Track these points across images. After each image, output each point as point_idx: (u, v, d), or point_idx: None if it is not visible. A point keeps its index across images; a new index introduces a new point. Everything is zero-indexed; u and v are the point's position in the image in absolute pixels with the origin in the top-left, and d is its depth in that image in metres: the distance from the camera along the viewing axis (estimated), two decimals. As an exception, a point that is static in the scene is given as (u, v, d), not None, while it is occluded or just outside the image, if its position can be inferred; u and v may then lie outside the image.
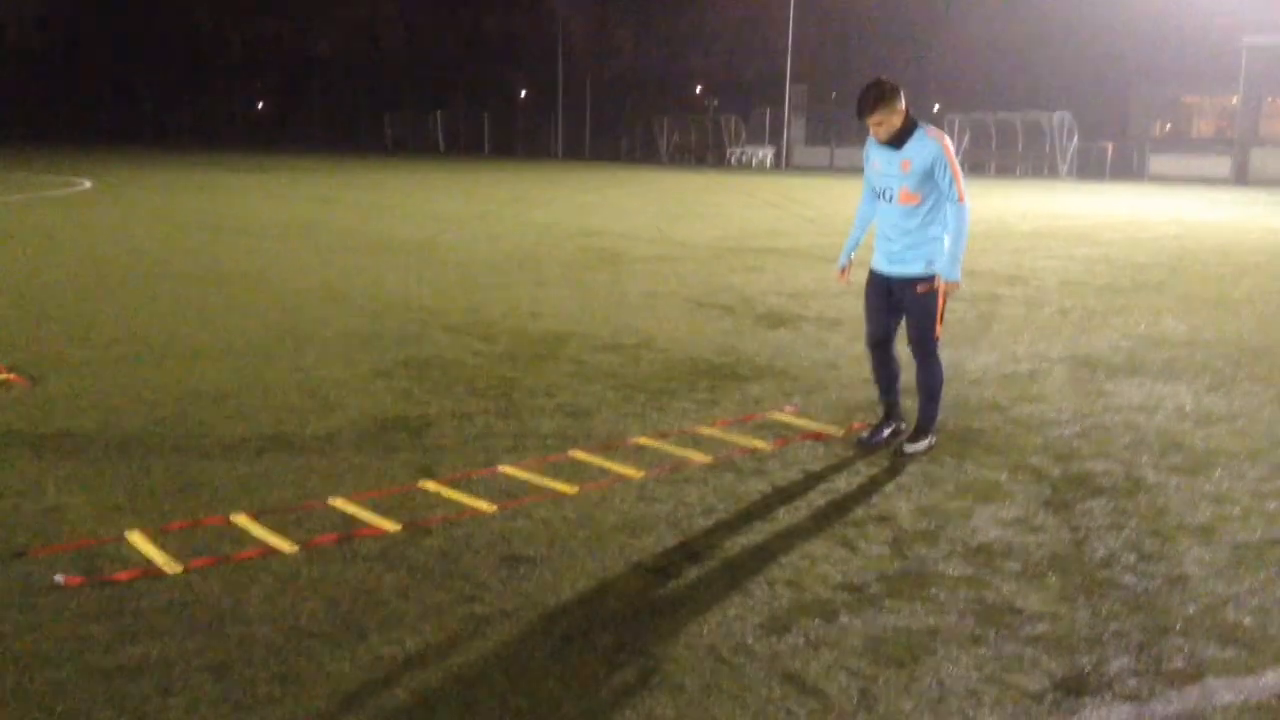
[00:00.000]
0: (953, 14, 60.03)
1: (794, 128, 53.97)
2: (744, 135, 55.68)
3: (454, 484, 4.61)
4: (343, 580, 3.62)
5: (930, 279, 4.96)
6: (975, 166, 47.51)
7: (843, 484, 4.71)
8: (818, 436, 5.44)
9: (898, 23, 63.55)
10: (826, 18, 61.99)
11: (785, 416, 5.79)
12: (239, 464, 4.80)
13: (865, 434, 5.34)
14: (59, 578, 3.55)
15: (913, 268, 4.98)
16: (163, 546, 3.83)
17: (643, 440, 5.31)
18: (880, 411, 5.43)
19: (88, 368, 6.59)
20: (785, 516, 4.30)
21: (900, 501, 4.49)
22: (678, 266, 12.25)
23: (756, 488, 4.65)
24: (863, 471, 4.88)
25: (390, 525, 4.10)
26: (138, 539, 3.90)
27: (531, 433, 5.42)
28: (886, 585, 3.65)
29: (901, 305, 5.11)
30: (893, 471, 4.89)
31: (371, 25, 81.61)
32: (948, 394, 6.33)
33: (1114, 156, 44.44)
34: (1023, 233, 17.75)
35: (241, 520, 4.11)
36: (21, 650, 3.09)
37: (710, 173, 44.81)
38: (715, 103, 62.76)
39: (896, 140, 4.90)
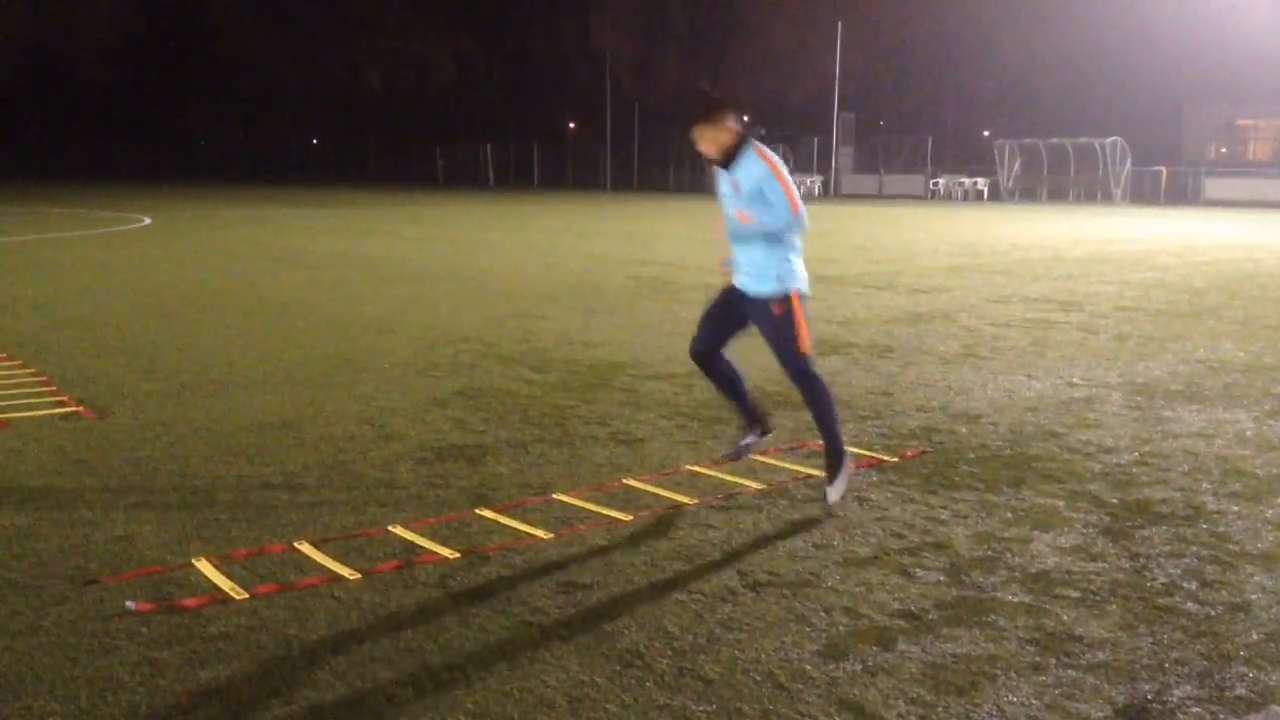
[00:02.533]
0: (1002, 39, 59.74)
1: (842, 155, 53.92)
2: (792, 163, 55.72)
3: (510, 512, 4.66)
4: (403, 606, 3.68)
5: (783, 298, 4.73)
6: (1026, 192, 47.18)
7: (897, 511, 4.70)
8: (871, 463, 5.43)
9: (947, 49, 63.41)
10: (874, 45, 61.98)
11: (838, 444, 5.78)
12: (301, 492, 4.90)
13: (729, 451, 5.27)
14: (130, 604, 3.64)
15: (764, 287, 4.76)
16: (229, 573, 3.92)
17: (696, 468, 5.34)
18: (740, 422, 5.26)
19: (153, 399, 6.76)
20: (840, 543, 4.30)
21: (957, 528, 4.48)
22: (728, 295, 12.27)
23: (810, 515, 4.65)
24: (918, 498, 4.87)
25: (449, 552, 4.16)
26: (205, 566, 3.99)
27: (585, 461, 5.47)
28: (944, 612, 3.64)
29: (744, 322, 4.90)
30: (949, 499, 4.87)
31: (422, 60, 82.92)
32: (1003, 420, 6.31)
33: (1168, 181, 43.93)
34: (1076, 258, 17.60)
35: (305, 547, 4.20)
36: (95, 675, 3.17)
37: (758, 201, 44.77)
38: (762, 131, 62.80)
39: (726, 160, 4.72)
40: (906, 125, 60.82)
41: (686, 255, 17.33)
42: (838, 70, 51.65)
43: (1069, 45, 57.46)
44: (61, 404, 6.57)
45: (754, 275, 4.79)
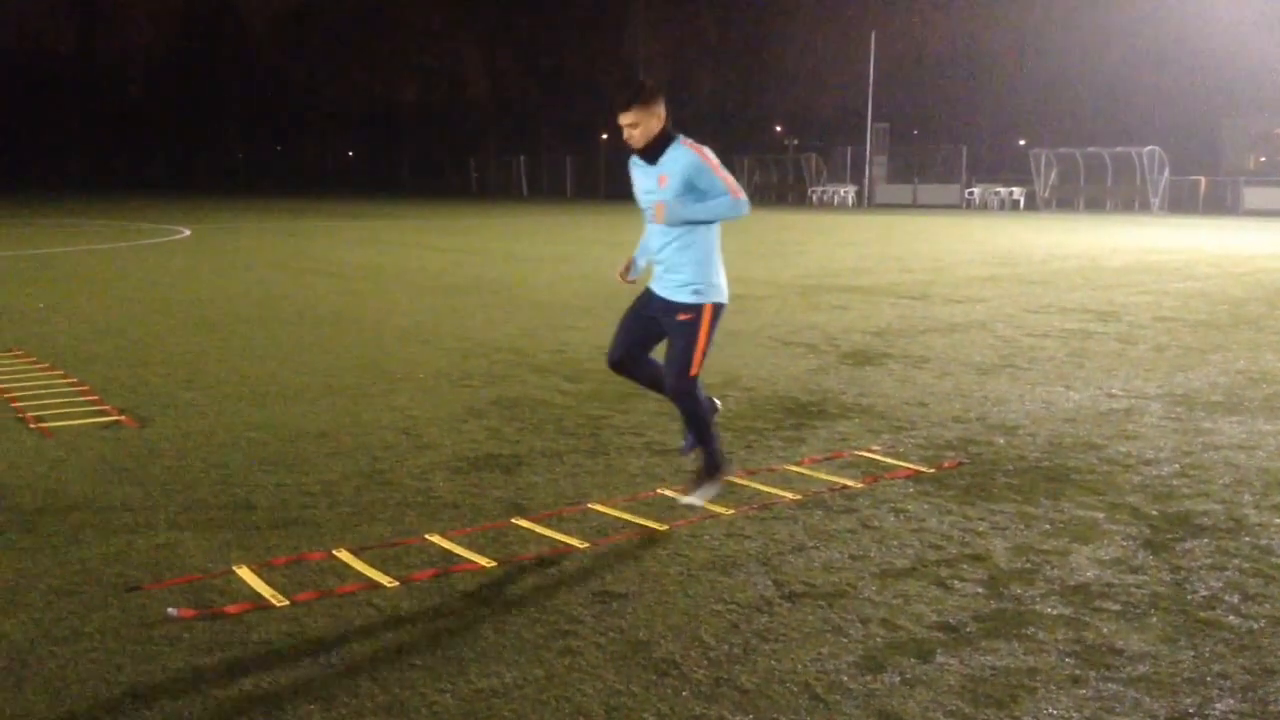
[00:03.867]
0: (1039, 48, 59.37)
1: (876, 165, 53.77)
2: (825, 174, 55.63)
3: (545, 521, 4.68)
4: (441, 614, 3.70)
5: (696, 308, 4.51)
6: (1063, 201, 46.84)
7: (934, 523, 4.68)
8: (907, 475, 5.41)
9: (982, 58, 63.10)
10: (908, 54, 61.78)
11: (874, 455, 5.77)
12: (339, 501, 4.94)
13: (681, 444, 5.03)
14: (172, 611, 3.69)
15: (678, 295, 4.54)
16: (269, 581, 3.96)
17: (731, 478, 5.33)
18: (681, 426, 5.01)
19: (193, 408, 6.84)
20: (877, 555, 4.28)
21: (995, 541, 4.45)
22: (760, 305, 12.28)
23: (846, 525, 4.64)
24: (955, 510, 4.84)
25: (485, 561, 4.18)
26: (246, 573, 4.04)
27: (620, 470, 5.48)
28: (983, 625, 3.62)
29: (663, 332, 4.67)
30: (986, 511, 4.84)
31: (457, 74, 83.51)
32: (1041, 432, 6.27)
33: (1207, 190, 43.49)
34: (1114, 268, 17.45)
35: (343, 555, 4.23)
36: (138, 680, 3.21)
37: (791, 212, 44.82)
38: (795, 141, 62.83)
39: (652, 153, 4.51)
40: (941, 134, 60.55)
41: (720, 266, 17.32)
42: (871, 80, 51.53)
43: (1106, 54, 57.04)
44: (104, 413, 6.66)
45: (671, 281, 4.58)
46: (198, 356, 8.77)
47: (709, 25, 77.88)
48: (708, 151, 4.50)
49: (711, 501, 4.88)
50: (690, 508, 4.78)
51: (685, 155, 4.45)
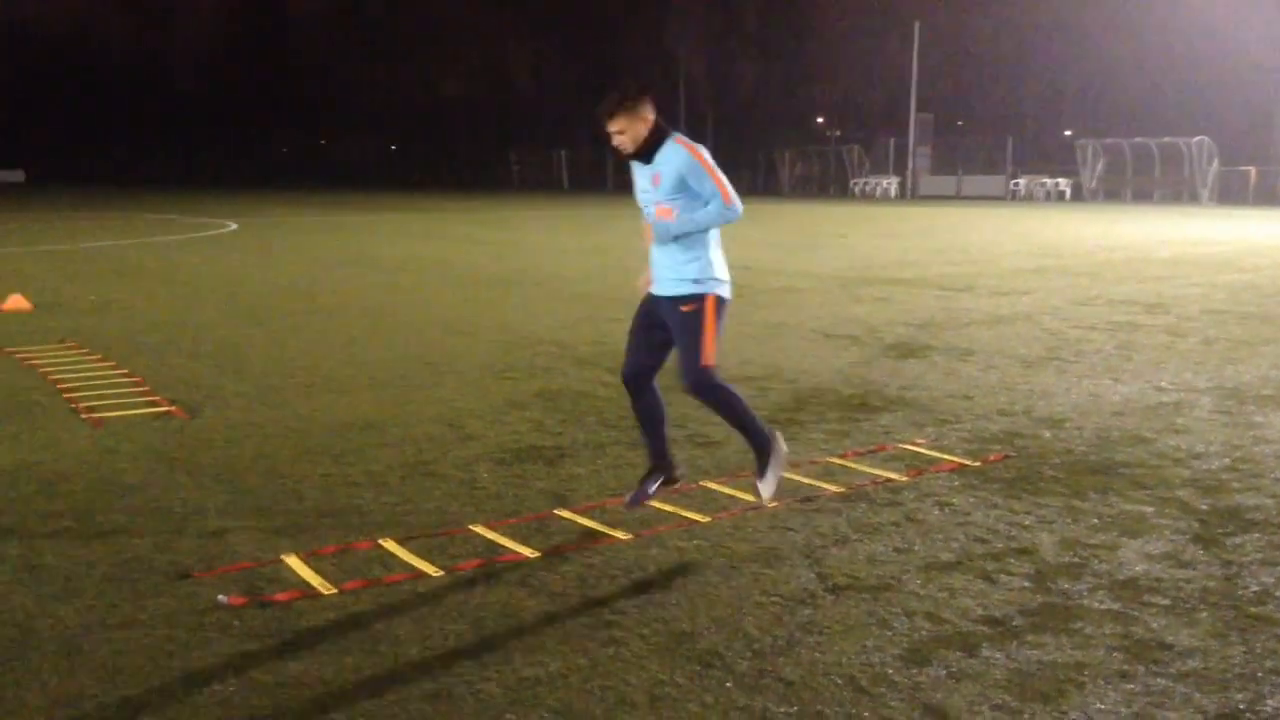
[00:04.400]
0: (1085, 37, 58.54)
1: (919, 157, 53.32)
2: (867, 165, 55.27)
3: (588, 512, 4.70)
4: (485, 604, 3.73)
5: (697, 298, 4.39)
6: (1110, 192, 46.23)
7: (980, 516, 4.64)
8: (952, 468, 5.37)
9: (1026, 48, 62.33)
10: (952, 45, 61.12)
11: (918, 448, 5.74)
12: (385, 491, 4.99)
13: (628, 496, 4.69)
14: (223, 598, 3.75)
15: (679, 289, 4.42)
16: (317, 569, 4.01)
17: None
18: (646, 461, 4.75)
19: (241, 399, 6.93)
20: (921, 548, 4.26)
21: (1042, 534, 4.41)
22: (802, 298, 12.23)
23: (890, 519, 4.62)
24: (1000, 504, 4.80)
25: (529, 552, 4.21)
26: (294, 562, 4.09)
27: (663, 463, 5.47)
28: (1029, 619, 3.59)
29: (669, 332, 4.49)
30: (1033, 504, 4.80)
31: (500, 67, 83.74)
32: (1089, 425, 6.20)
33: (1257, 181, 42.72)
34: (1162, 260, 17.20)
35: (389, 545, 4.28)
36: (190, 666, 3.27)
37: (833, 204, 44.57)
38: (838, 133, 62.45)
39: (646, 153, 4.38)
40: (985, 125, 59.93)
41: (760, 259, 17.27)
42: (915, 70, 51.09)
43: (1154, 43, 56.12)
44: (154, 404, 6.77)
45: (669, 277, 4.46)
46: (245, 348, 8.88)
47: (750, 16, 77.55)
48: (702, 150, 4.37)
49: (753, 494, 4.85)
50: (771, 500, 4.60)
51: (679, 154, 4.32)
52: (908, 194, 51.66)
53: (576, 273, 15.40)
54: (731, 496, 4.91)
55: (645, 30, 74.39)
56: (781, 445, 4.64)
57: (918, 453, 5.64)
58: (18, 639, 3.45)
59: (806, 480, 5.15)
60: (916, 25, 51.40)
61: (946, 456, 5.56)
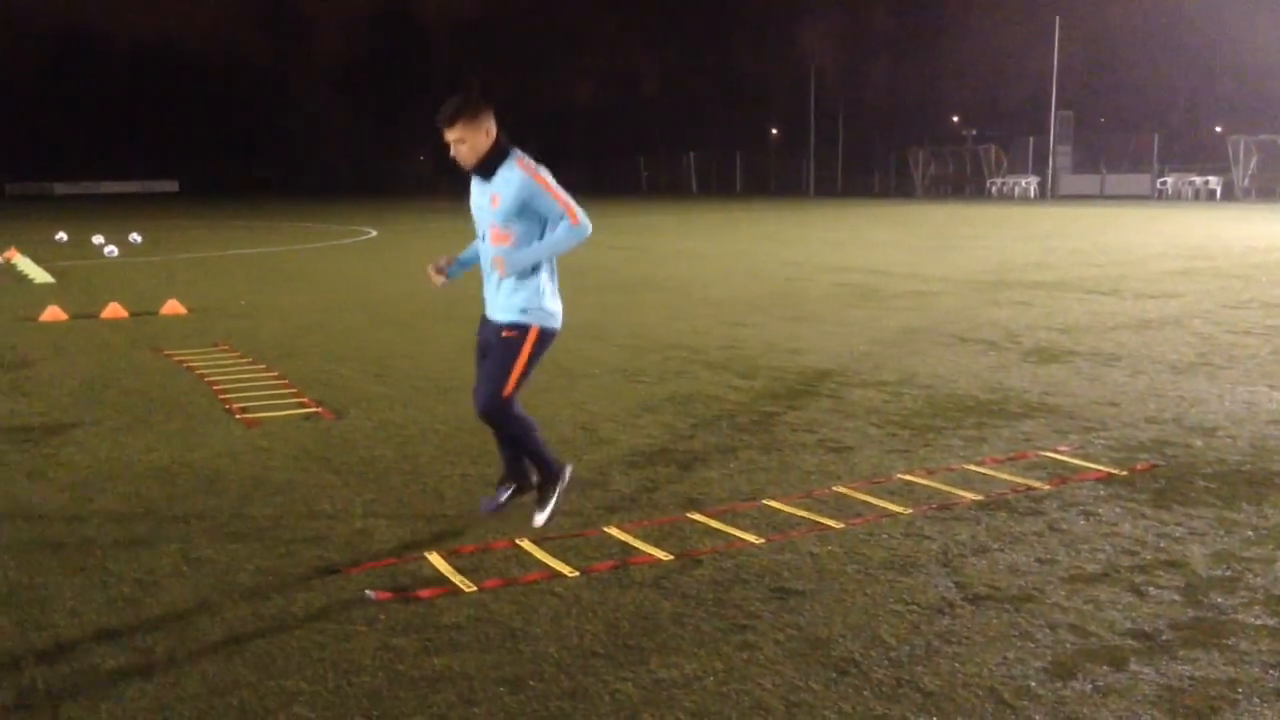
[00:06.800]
0: (1235, 30, 55.90)
1: (1060, 155, 51.63)
2: (1005, 165, 53.83)
3: (720, 516, 4.71)
4: (620, 605, 3.77)
5: (522, 328, 4.37)
6: (1263, 191, 44.02)
7: (1128, 527, 4.49)
8: (1098, 477, 5.20)
9: (1173, 40, 59.84)
10: (1094, 39, 59.09)
11: (1061, 455, 5.57)
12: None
13: (483, 501, 4.82)
14: (369, 593, 3.88)
15: (506, 315, 4.40)
16: (457, 567, 4.12)
17: (908, 477, 5.25)
18: (501, 470, 4.83)
19: (384, 401, 7.16)
20: (1065, 559, 4.14)
21: (1193, 547, 4.24)
22: (937, 301, 12.00)
23: (1032, 528, 4.50)
24: (1149, 514, 4.63)
25: (663, 554, 4.24)
26: (436, 559, 4.21)
27: (794, 467, 5.46)
28: (1180, 633, 3.46)
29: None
30: (1184, 515, 4.61)
31: (629, 73, 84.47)
32: (1243, 433, 5.93)
33: None
34: (1324, 260, 16.30)
35: (526, 545, 4.37)
36: (339, 658, 3.40)
37: (969, 205, 43.55)
38: (973, 132, 60.99)
39: (486, 169, 4.30)
40: (1130, 122, 57.73)
41: (892, 262, 17.01)
42: (1055, 66, 49.54)
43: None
44: (303, 405, 7.05)
45: (499, 303, 4.42)
46: (386, 352, 9.16)
47: (882, 15, 76.44)
48: (543, 171, 4.30)
49: (888, 500, 4.80)
50: (542, 526, 4.56)
51: (518, 176, 4.25)
52: (1048, 194, 50.10)
53: (707, 277, 15.41)
54: (865, 502, 4.86)
55: (776, 33, 74.05)
56: (567, 478, 4.68)
57: (1061, 461, 5.48)
58: (178, 629, 3.64)
59: (943, 487, 5.06)
60: (1057, 20, 49.84)
61: (1092, 465, 5.39)
